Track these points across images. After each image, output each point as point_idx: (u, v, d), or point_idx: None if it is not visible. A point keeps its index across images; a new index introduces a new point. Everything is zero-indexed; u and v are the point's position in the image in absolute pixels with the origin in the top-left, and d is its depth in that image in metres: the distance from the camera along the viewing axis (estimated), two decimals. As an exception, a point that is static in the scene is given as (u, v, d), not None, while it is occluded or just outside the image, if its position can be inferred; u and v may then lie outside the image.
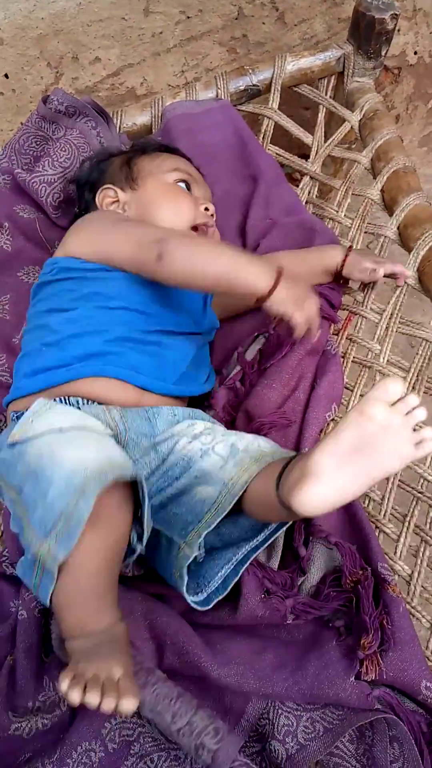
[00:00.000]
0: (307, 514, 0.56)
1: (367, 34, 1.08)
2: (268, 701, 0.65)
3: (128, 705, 0.53)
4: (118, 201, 0.88)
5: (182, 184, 0.89)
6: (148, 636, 0.67)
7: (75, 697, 0.52)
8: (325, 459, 0.55)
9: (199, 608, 0.66)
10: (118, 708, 0.53)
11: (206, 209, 0.88)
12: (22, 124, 1.04)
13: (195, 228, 0.86)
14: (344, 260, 0.91)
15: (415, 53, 1.42)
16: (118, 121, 1.08)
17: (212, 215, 0.89)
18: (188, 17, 1.22)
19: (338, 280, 0.93)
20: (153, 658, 0.66)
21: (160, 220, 0.84)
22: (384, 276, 0.92)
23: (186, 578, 0.63)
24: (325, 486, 0.55)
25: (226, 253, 0.74)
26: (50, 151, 0.99)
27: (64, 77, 1.24)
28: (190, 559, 0.63)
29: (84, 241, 0.80)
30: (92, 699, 0.52)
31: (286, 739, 0.62)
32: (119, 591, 0.68)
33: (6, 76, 1.20)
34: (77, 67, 1.23)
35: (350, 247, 0.94)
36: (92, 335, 0.74)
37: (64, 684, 0.53)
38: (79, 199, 0.95)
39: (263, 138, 1.13)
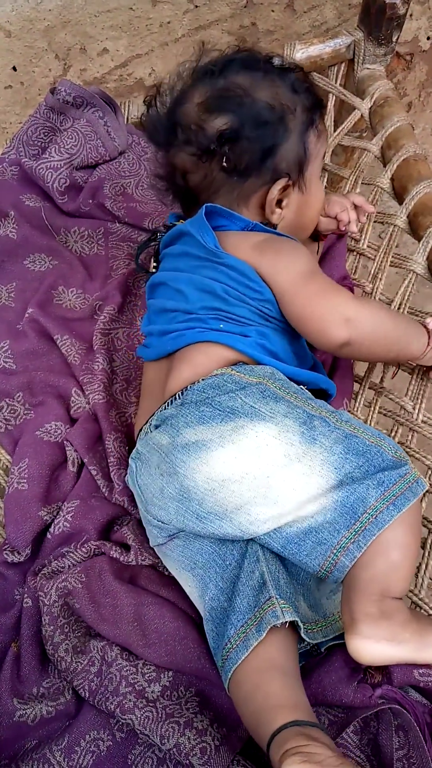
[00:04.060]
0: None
1: (378, 19, 1.06)
2: None
3: None
4: (281, 204, 0.76)
5: None
6: (157, 640, 0.67)
7: None
8: None
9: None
10: None
11: None
12: (30, 115, 1.04)
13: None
14: None
15: (428, 38, 1.40)
16: (126, 112, 1.07)
17: None
18: (196, 6, 1.21)
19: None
20: (161, 661, 0.66)
21: (306, 230, 0.80)
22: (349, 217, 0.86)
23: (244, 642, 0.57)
24: None
25: (400, 328, 0.74)
26: (57, 140, 0.99)
27: (73, 69, 1.23)
28: (277, 622, 0.56)
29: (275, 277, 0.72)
30: None
31: None
32: (129, 589, 0.69)
33: (14, 68, 1.21)
34: (85, 58, 1.23)
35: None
36: None
37: None
38: (233, 139, 0.71)
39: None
